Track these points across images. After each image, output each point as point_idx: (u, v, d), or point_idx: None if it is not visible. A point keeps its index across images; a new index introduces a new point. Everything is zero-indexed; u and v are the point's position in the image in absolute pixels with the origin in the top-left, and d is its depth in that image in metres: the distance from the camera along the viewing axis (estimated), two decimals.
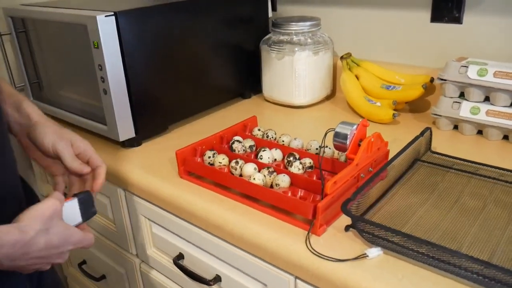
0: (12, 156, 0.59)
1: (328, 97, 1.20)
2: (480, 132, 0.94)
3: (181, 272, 0.85)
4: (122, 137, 0.94)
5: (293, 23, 1.09)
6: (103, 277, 1.17)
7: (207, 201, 0.75)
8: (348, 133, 0.69)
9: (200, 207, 0.74)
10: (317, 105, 1.16)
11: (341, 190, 0.66)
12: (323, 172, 0.76)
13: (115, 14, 0.85)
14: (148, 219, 0.90)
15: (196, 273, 0.82)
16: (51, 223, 0.54)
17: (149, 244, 0.94)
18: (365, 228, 0.60)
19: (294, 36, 1.10)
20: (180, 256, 0.85)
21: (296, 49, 1.08)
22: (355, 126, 0.70)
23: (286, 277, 0.66)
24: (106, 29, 0.84)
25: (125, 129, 0.94)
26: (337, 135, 0.70)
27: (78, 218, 0.61)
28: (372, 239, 0.60)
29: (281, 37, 1.11)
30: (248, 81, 1.22)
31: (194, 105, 1.08)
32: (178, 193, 0.78)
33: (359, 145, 0.71)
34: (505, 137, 0.91)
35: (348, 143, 0.69)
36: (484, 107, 0.90)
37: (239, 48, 1.15)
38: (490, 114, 0.89)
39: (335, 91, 1.23)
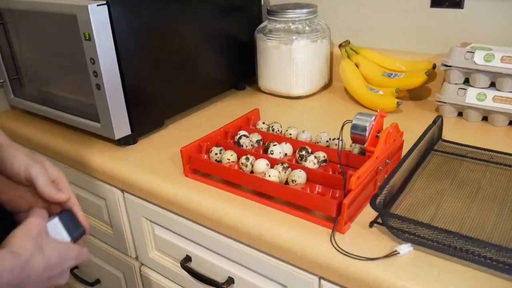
0: None
1: (326, 87, 1.17)
2: (485, 119, 0.93)
3: (189, 275, 0.81)
4: (118, 135, 0.88)
5: (290, 11, 1.05)
6: (97, 281, 1.11)
7: (218, 201, 0.71)
8: (367, 125, 0.66)
9: (211, 207, 0.70)
10: (315, 95, 1.13)
11: (362, 185, 0.63)
12: (338, 165, 0.73)
13: (108, 3, 0.79)
14: (150, 220, 0.85)
15: (207, 276, 0.78)
16: (42, 240, 0.50)
17: (151, 246, 0.89)
18: (395, 224, 0.57)
19: (291, 24, 1.06)
20: (188, 259, 0.81)
21: (294, 37, 1.04)
22: (373, 117, 0.67)
23: (309, 278, 0.63)
24: (98, 19, 0.78)
25: (121, 126, 0.88)
26: (355, 127, 0.67)
27: (66, 237, 0.56)
28: (401, 235, 0.58)
29: (278, 25, 1.07)
30: (242, 72, 1.18)
31: (189, 98, 1.03)
32: (185, 192, 0.74)
33: (376, 136, 0.69)
34: (511, 123, 0.90)
35: (367, 135, 0.66)
36: (491, 93, 0.89)
37: (232, 38, 1.11)
38: (496, 100, 0.88)
39: (331, 80, 1.20)
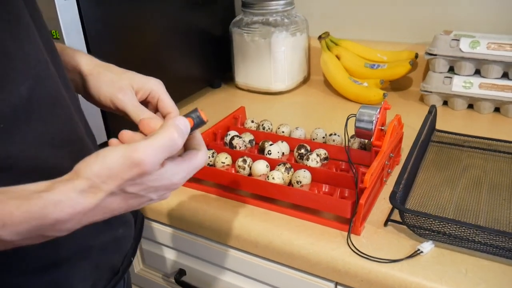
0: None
1: (305, 81, 1.14)
2: (470, 106, 0.93)
3: None
4: None
5: (267, 2, 1.00)
6: None
7: (216, 208, 0.65)
8: (373, 118, 0.63)
9: (209, 215, 0.65)
10: (295, 90, 1.09)
11: (374, 182, 0.60)
12: (339, 162, 0.70)
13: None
14: None
15: None
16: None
17: (137, 262, 0.82)
18: (415, 222, 0.54)
19: (270, 17, 1.01)
20: (182, 273, 0.75)
21: (273, 30, 1.00)
22: (378, 110, 0.64)
23: (325, 285, 0.59)
24: (67, 16, 0.70)
25: (95, 133, 0.80)
26: (361, 121, 0.64)
27: None
28: (422, 232, 0.55)
29: (255, 18, 1.02)
30: (217, 68, 1.12)
31: None
32: (177, 201, 0.68)
33: (381, 129, 0.65)
34: (496, 110, 0.91)
35: (373, 129, 0.63)
36: (477, 80, 0.88)
37: (205, 32, 1.04)
38: (483, 87, 0.88)
39: (310, 74, 1.16)
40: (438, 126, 0.82)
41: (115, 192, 0.36)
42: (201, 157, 0.41)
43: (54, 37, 0.71)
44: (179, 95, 1.03)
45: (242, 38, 1.03)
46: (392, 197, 0.54)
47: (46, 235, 0.36)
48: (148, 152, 0.35)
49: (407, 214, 0.53)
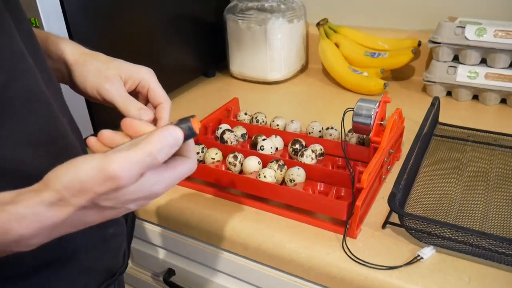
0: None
1: (302, 70, 1.09)
2: (475, 97, 0.88)
3: None
4: None
5: None
6: None
7: (205, 207, 0.62)
8: (372, 113, 0.59)
9: (197, 215, 0.61)
10: (292, 80, 1.05)
11: (371, 182, 0.56)
12: (336, 158, 0.66)
13: None
14: None
15: None
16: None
17: None
18: (415, 225, 0.50)
19: (265, 2, 0.96)
20: (171, 273, 0.72)
21: (269, 16, 0.95)
22: (377, 104, 0.60)
23: None
24: (47, 2, 0.66)
25: (80, 126, 0.76)
26: (358, 115, 0.60)
27: None
28: (423, 237, 0.51)
29: (250, 4, 0.97)
30: (211, 56, 1.07)
31: None
32: (164, 199, 0.64)
33: (380, 124, 0.62)
34: (503, 101, 0.86)
35: (372, 124, 0.59)
36: (483, 70, 0.84)
37: (198, 19, 0.99)
38: (489, 77, 0.83)
39: (307, 62, 1.12)
40: (441, 118, 0.78)
41: (87, 206, 0.33)
42: (187, 166, 0.37)
43: (34, 25, 0.67)
44: (172, 85, 0.98)
45: (237, 25, 0.99)
46: (391, 200, 0.51)
47: (10, 250, 0.33)
48: (124, 166, 0.31)
49: (407, 218, 0.50)
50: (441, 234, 0.49)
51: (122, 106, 0.46)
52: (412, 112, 0.82)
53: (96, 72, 0.47)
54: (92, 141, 0.38)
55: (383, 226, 0.55)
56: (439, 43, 0.85)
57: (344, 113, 0.61)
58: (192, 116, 0.36)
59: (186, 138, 0.35)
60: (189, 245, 0.66)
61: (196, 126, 0.36)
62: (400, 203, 0.54)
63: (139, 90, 0.49)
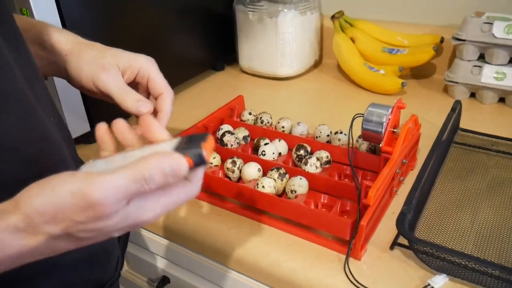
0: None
1: (316, 65, 1.03)
2: (501, 100, 0.81)
3: None
4: (74, 133, 0.73)
5: None
6: None
7: (200, 216, 0.57)
8: (383, 120, 0.53)
9: (191, 224, 0.57)
10: (304, 75, 0.99)
11: (380, 197, 0.51)
12: (343, 167, 0.60)
13: None
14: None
15: None
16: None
17: None
18: (428, 250, 0.45)
19: None
20: (165, 280, 0.68)
21: (280, 8, 0.89)
22: (389, 110, 0.54)
23: None
24: None
25: (76, 122, 0.73)
26: (369, 121, 0.54)
27: None
28: (434, 263, 0.46)
29: None
30: (220, 50, 1.02)
31: None
32: None
33: (393, 132, 0.56)
34: None
35: (383, 132, 0.53)
36: (511, 71, 0.77)
37: (207, 11, 0.94)
38: None
39: (322, 57, 1.06)
40: (463, 123, 0.72)
41: (60, 235, 0.29)
42: (187, 191, 0.32)
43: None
44: (179, 78, 0.94)
45: (247, 17, 0.93)
46: (400, 222, 0.45)
47: None
48: (107, 192, 0.27)
49: (417, 243, 0.44)
50: (455, 261, 0.44)
51: (119, 97, 0.41)
52: (431, 115, 0.76)
53: (92, 61, 0.43)
54: (101, 130, 0.35)
55: (391, 247, 0.50)
56: (464, 40, 0.78)
57: (353, 119, 0.56)
58: (206, 136, 0.32)
59: (193, 166, 0.30)
60: (184, 255, 0.62)
61: (209, 151, 0.31)
62: (410, 224, 0.48)
63: (139, 81, 0.44)
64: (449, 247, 0.47)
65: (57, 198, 0.27)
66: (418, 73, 0.94)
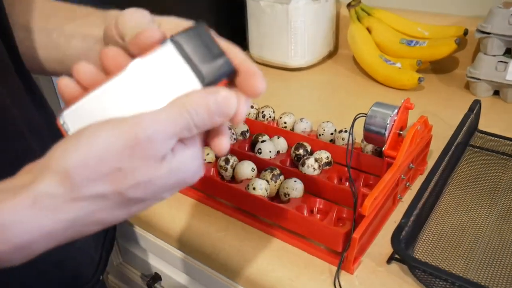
0: None
1: (330, 55, 0.98)
2: None
3: None
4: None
5: None
6: None
7: (189, 216, 0.54)
8: (387, 121, 0.48)
9: (177, 223, 0.54)
10: (317, 67, 0.94)
11: (379, 206, 0.46)
12: (345, 169, 0.56)
13: None
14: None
15: None
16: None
17: (116, 254, 0.74)
18: (425, 268, 0.41)
19: None
20: (156, 278, 0.66)
21: None
22: (395, 111, 0.49)
23: None
24: None
25: None
26: (371, 123, 0.49)
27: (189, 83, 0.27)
28: (433, 284, 0.41)
29: None
30: (229, 37, 0.98)
31: None
32: None
33: (399, 135, 0.51)
34: None
35: (387, 134, 0.49)
36: None
37: None
38: None
39: (337, 47, 1.00)
40: (482, 123, 0.66)
41: (109, 196, 0.24)
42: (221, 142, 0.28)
43: None
44: None
45: (257, 3, 0.89)
46: (395, 236, 0.41)
47: None
48: (156, 127, 0.24)
49: (413, 263, 0.40)
50: (455, 282, 0.39)
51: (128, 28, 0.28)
52: (448, 114, 0.70)
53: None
54: (64, 82, 0.27)
55: (388, 261, 0.45)
56: (489, 33, 0.72)
57: (355, 119, 0.51)
58: (203, 28, 0.27)
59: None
60: (173, 253, 0.59)
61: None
62: (410, 238, 0.44)
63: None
64: (452, 266, 0.43)
65: (99, 145, 0.23)
66: (439, 67, 0.88)
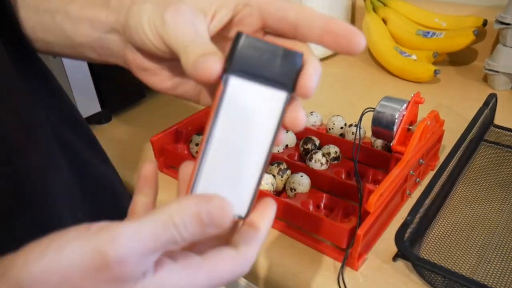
0: None
1: None
2: None
3: None
4: (84, 113, 0.72)
5: None
6: None
7: None
8: (396, 116, 0.48)
9: None
10: (331, 59, 0.93)
11: (385, 203, 0.46)
12: (352, 162, 0.55)
13: None
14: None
15: None
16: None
17: None
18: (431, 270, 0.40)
19: None
20: None
21: None
22: (404, 105, 0.48)
23: None
24: None
25: (86, 102, 0.72)
26: (379, 118, 0.48)
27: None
28: (437, 283, 0.41)
29: None
30: None
31: None
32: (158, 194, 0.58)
33: (408, 130, 0.50)
34: None
35: (395, 129, 0.48)
36: None
37: None
38: None
39: None
40: (499, 119, 0.64)
41: None
42: (239, 263, 0.24)
43: None
44: None
45: None
46: (400, 234, 0.40)
47: None
48: (131, 246, 0.20)
49: (417, 262, 0.39)
50: (462, 282, 0.38)
51: (180, 49, 0.25)
52: (464, 107, 0.69)
53: (160, 2, 0.27)
54: (149, 168, 0.28)
55: (394, 259, 0.45)
56: (508, 24, 0.70)
57: (363, 114, 0.50)
58: (297, 58, 0.24)
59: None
60: None
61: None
62: (417, 235, 0.43)
63: (244, 21, 0.28)
64: (460, 265, 0.42)
65: (64, 261, 0.20)
66: (456, 59, 0.86)
